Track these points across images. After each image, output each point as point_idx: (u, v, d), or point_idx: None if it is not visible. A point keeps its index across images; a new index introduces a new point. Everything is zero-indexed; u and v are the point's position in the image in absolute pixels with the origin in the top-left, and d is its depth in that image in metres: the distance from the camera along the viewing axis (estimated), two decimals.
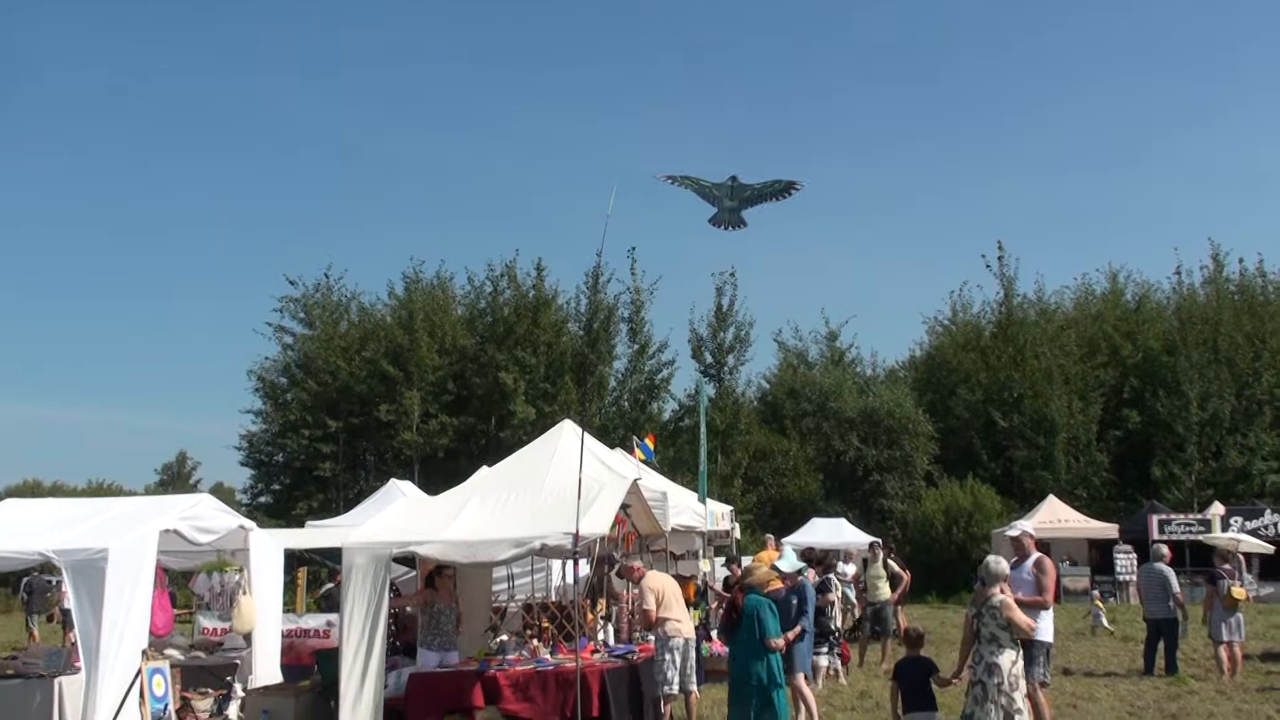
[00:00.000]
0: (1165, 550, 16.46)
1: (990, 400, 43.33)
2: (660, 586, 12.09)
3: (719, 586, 16.69)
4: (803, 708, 11.60)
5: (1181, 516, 32.74)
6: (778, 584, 10.68)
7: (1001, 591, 8.72)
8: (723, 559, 18.65)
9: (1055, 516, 32.79)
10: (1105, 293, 48.37)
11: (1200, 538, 28.35)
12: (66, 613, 27.02)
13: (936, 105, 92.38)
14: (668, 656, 11.82)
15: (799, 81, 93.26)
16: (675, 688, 11.78)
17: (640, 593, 12.09)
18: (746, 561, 20.24)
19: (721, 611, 16.30)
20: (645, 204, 78.69)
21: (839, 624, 16.34)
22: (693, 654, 12.05)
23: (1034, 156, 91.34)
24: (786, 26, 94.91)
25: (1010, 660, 8.47)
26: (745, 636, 9.74)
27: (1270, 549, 25.61)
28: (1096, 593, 20.04)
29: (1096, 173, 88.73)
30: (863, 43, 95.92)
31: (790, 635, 10.76)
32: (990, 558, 9.08)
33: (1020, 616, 8.63)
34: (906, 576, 19.22)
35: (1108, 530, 33.01)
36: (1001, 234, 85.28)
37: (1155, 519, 32.04)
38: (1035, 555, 11.14)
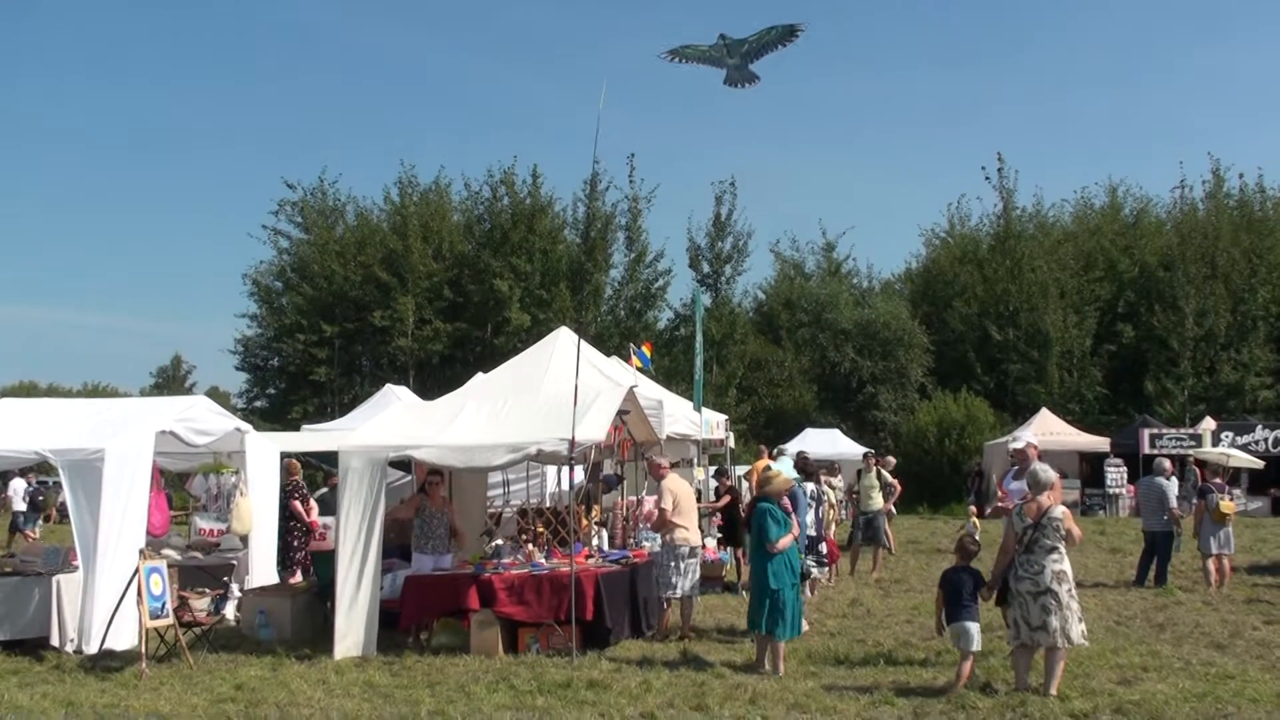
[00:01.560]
0: (1167, 464, 16.47)
1: (986, 313, 43.39)
2: (679, 490, 12.15)
3: (712, 497, 16.85)
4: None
5: (1173, 431, 32.75)
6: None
7: (1053, 499, 8.91)
8: (715, 468, 18.81)
9: (1047, 429, 32.62)
10: (1104, 207, 48.29)
11: (1191, 452, 28.50)
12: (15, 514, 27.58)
13: (938, 15, 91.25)
14: (673, 563, 11.95)
15: None
16: (679, 591, 11.89)
17: (660, 492, 12.11)
18: (739, 471, 20.54)
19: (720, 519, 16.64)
20: (646, 109, 78.07)
21: (830, 528, 16.51)
22: (696, 562, 12.14)
23: (1036, 68, 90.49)
24: None
25: (1069, 567, 8.83)
26: (755, 540, 10.01)
27: (1260, 464, 25.75)
28: (973, 508, 20.51)
29: (1099, 86, 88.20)
30: None
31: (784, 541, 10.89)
32: (1037, 465, 9.20)
33: (1077, 528, 8.88)
34: (898, 487, 19.27)
35: (1099, 444, 33.06)
36: (1002, 147, 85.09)
37: (1147, 433, 32.10)
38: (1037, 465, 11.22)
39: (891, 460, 20.33)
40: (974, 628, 9.04)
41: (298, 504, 15.50)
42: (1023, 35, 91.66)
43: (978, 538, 12.78)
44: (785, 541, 9.86)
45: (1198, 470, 26.17)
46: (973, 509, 20.14)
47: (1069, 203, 49.54)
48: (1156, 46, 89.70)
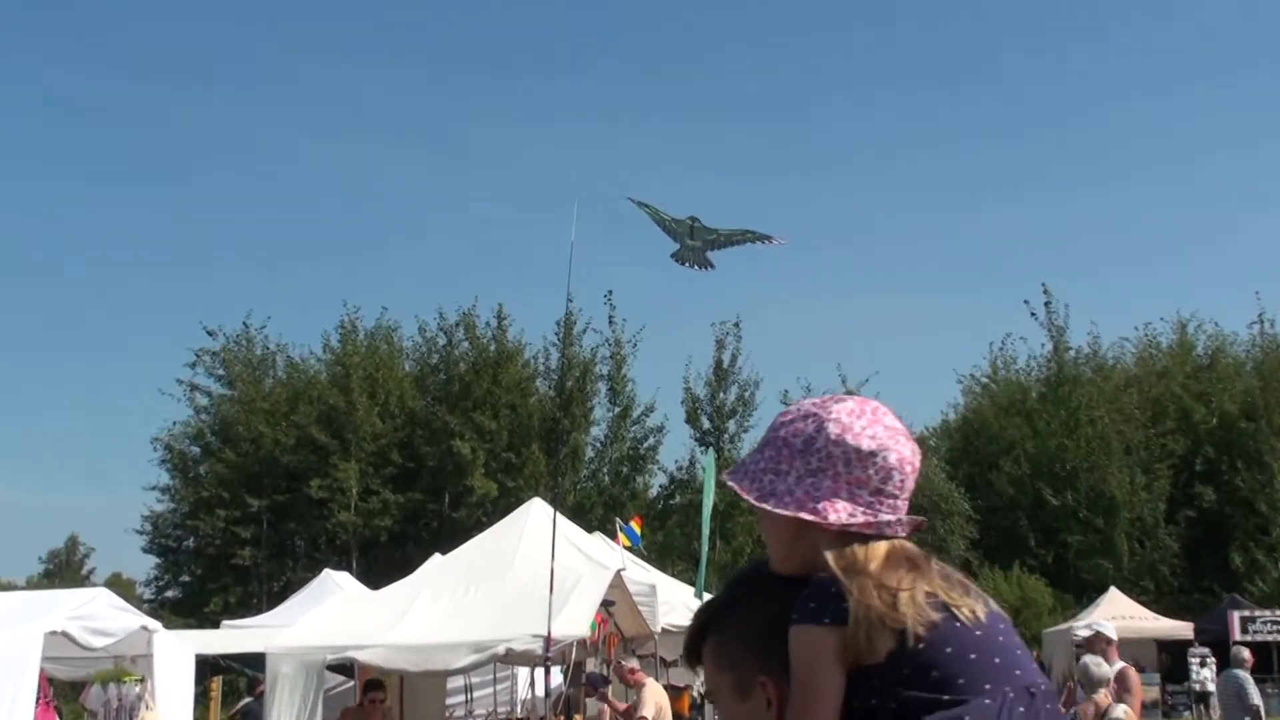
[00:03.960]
0: (1246, 653, 16.12)
1: (1039, 474, 43.15)
2: (662, 701, 11.88)
3: None
4: None
5: (1269, 613, 32.13)
6: None
7: (1111, 697, 8.76)
8: None
9: (1117, 613, 31.77)
10: (1172, 346, 48.63)
11: None
12: None
13: (970, 121, 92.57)
14: None
15: (803, 91, 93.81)
16: None
17: (639, 700, 11.88)
18: None
19: None
20: (625, 239, 78.93)
21: None
22: None
23: (1085, 181, 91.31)
24: (788, 27, 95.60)
25: None
26: None
27: None
28: None
29: (1157, 201, 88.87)
30: (880, 45, 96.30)
31: None
32: (1088, 658, 9.10)
33: None
34: None
35: (1180, 630, 32.39)
36: (1048, 277, 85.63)
37: (1236, 616, 31.41)
38: (1118, 665, 10.83)
39: None
40: None
41: None
42: (1061, 147, 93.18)
43: None
44: None
45: None
46: None
47: (1130, 342, 49.84)
48: (1222, 151, 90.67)
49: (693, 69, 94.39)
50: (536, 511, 14.09)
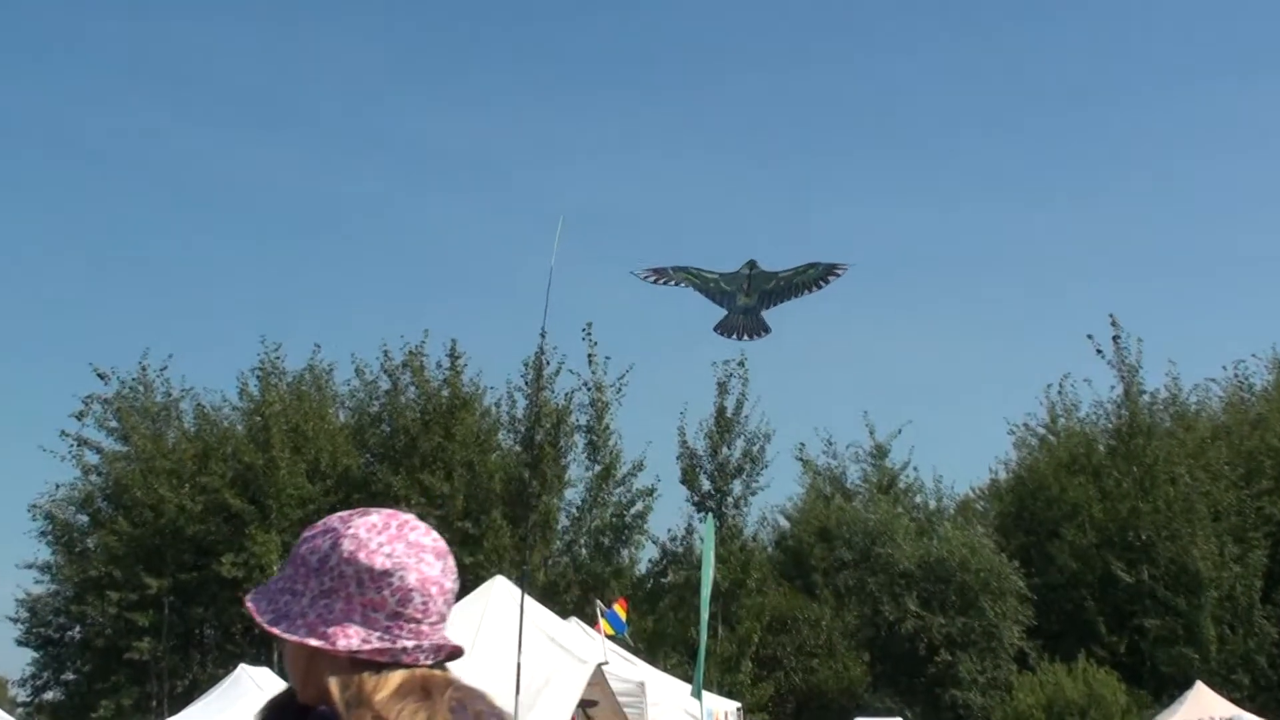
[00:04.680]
0: None
1: (1108, 544, 43.05)
2: None
3: None
4: None
5: None
6: None
7: None
8: None
9: (1204, 713, 31.61)
10: (1268, 388, 48.66)
11: None
12: None
13: (1018, 115, 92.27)
14: None
15: (823, 95, 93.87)
16: None
17: None
18: None
19: None
20: (607, 260, 78.47)
21: None
22: None
23: (1161, 191, 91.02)
24: (799, 24, 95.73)
25: None
26: None
27: None
28: None
29: (1249, 215, 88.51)
30: (913, 46, 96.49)
31: None
32: None
33: None
34: None
35: None
36: (1117, 306, 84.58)
37: None
38: None
39: None
40: None
41: None
42: (1130, 149, 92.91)
43: None
44: None
45: None
46: None
47: (1218, 383, 49.64)
48: None
49: (695, 68, 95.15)
50: (499, 593, 14.17)
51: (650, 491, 43.38)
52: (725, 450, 44.34)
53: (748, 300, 12.61)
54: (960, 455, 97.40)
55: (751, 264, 12.76)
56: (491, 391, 45.15)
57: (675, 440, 44.89)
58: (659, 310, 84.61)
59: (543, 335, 40.93)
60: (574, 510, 43.67)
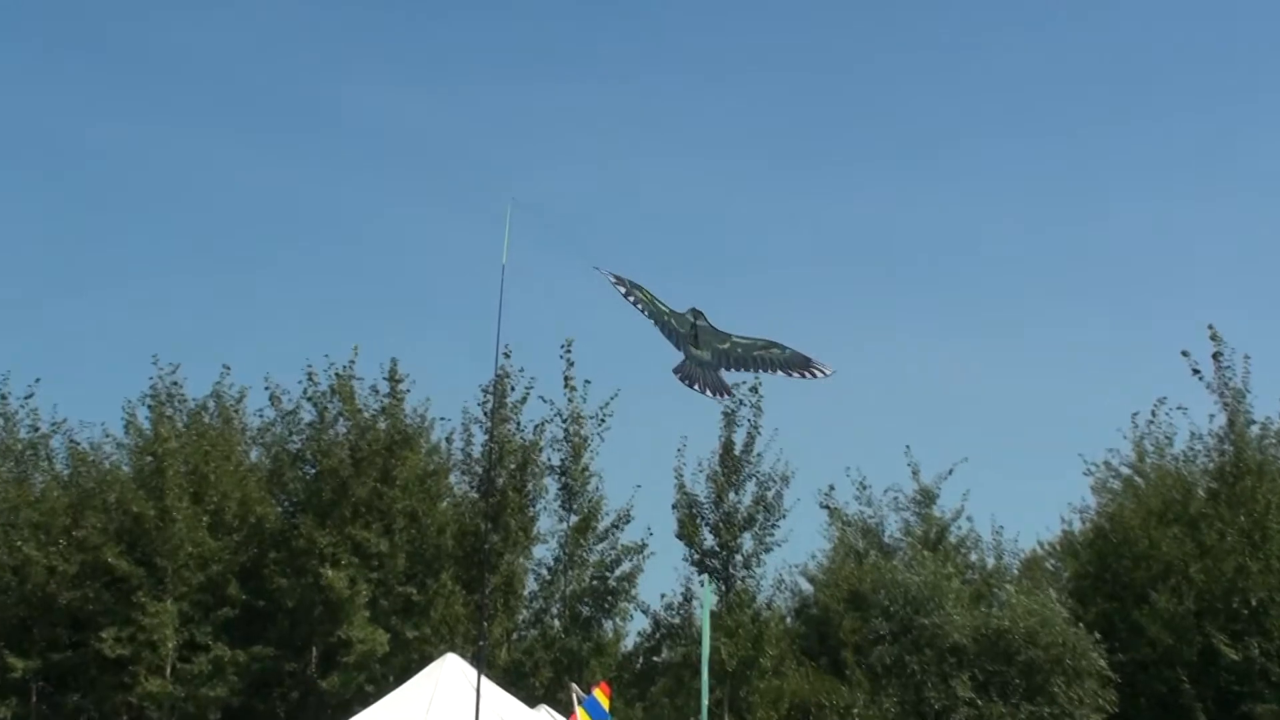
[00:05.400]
0: None
1: (1209, 612, 42.39)
2: None
3: None
4: None
5: None
6: None
7: None
8: None
9: None
10: None
11: None
12: None
13: (1096, 91, 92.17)
14: None
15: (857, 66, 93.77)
16: None
17: None
18: None
19: None
20: (592, 267, 77.28)
21: None
22: None
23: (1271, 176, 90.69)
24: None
25: None
26: None
27: None
28: None
29: None
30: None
31: None
32: None
33: None
34: None
35: None
36: (1218, 316, 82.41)
37: None
38: None
39: None
40: None
41: None
42: (1232, 134, 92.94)
43: None
44: None
45: None
46: None
47: None
48: None
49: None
50: (450, 674, 14.89)
51: (640, 548, 43.11)
52: (733, 496, 43.91)
53: (700, 353, 13.74)
54: (1026, 502, 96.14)
55: (695, 313, 14.01)
56: (441, 424, 44.39)
57: (671, 484, 44.30)
58: (651, 325, 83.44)
59: (504, 354, 41.42)
60: (544, 572, 43.26)
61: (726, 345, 13.84)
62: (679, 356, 15.17)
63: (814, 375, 14.15)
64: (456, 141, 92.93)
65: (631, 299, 14.09)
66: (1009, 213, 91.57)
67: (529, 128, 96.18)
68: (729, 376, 15.16)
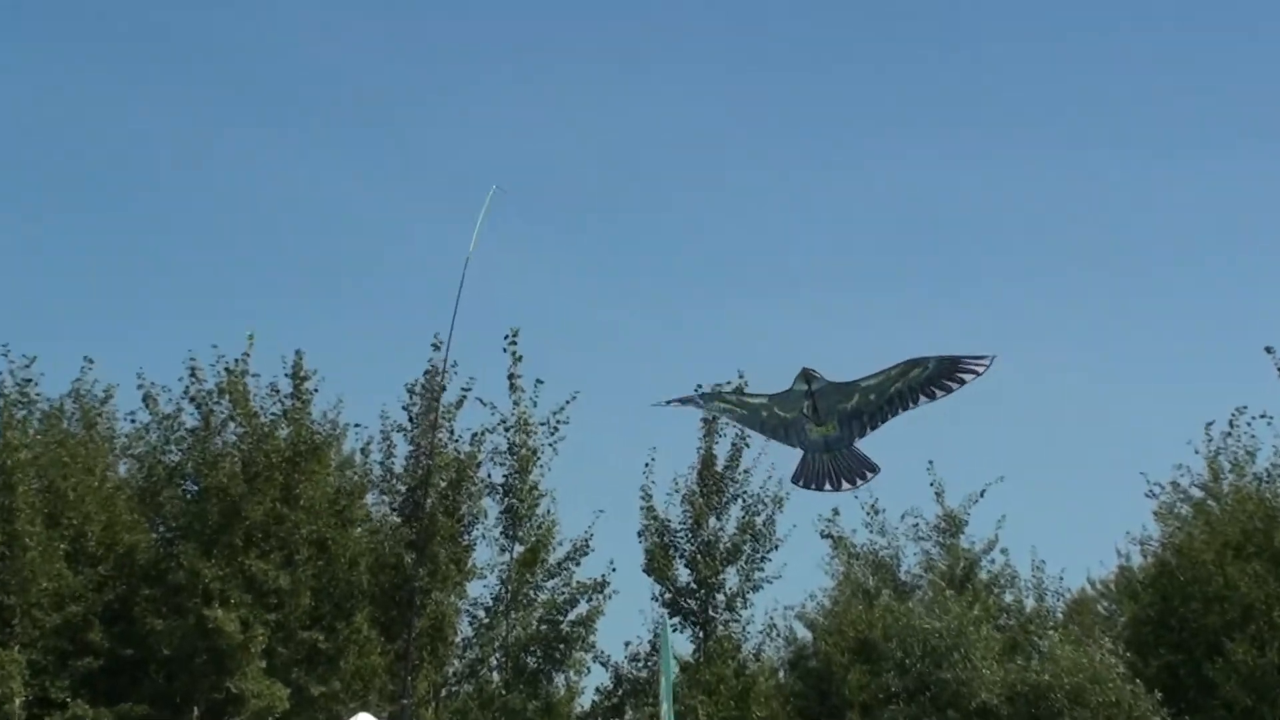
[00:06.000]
0: None
1: None
2: None
3: None
4: None
5: None
6: None
7: None
8: None
9: None
10: None
11: None
12: None
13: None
14: None
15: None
16: None
17: None
18: None
19: None
20: (539, 236, 76.55)
21: None
22: None
23: None
24: None
25: None
26: None
27: None
28: None
29: None
30: None
31: None
32: None
33: None
34: None
35: None
36: None
37: None
38: None
39: None
40: None
41: None
42: None
43: None
44: None
45: None
46: None
47: None
48: None
49: None
50: None
51: (599, 586, 41.98)
52: (714, 522, 43.07)
53: (825, 431, 13.71)
54: (1075, 531, 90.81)
55: (808, 376, 14.05)
56: (357, 432, 43.07)
57: (638, 507, 43.97)
58: (613, 314, 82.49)
59: (433, 345, 41.10)
60: (482, 614, 41.82)
61: (855, 400, 13.73)
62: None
63: (971, 376, 14.27)
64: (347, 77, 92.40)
65: (707, 416, 14.01)
66: (1049, 186, 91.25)
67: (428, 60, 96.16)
68: (870, 440, 15.11)
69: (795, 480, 14.11)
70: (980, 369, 14.35)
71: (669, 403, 14.66)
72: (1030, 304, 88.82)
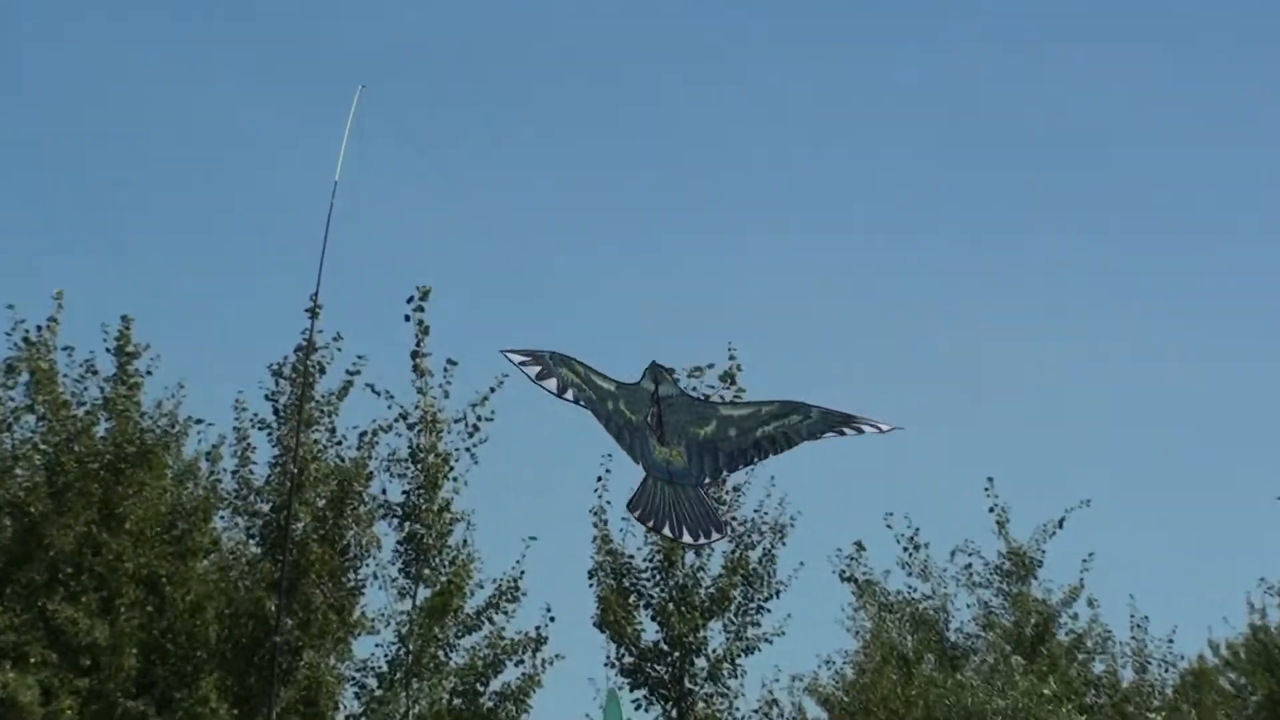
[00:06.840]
0: None
1: None
2: None
3: None
4: None
5: None
6: None
7: None
8: None
9: None
10: None
11: None
12: None
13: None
14: None
15: None
16: None
17: None
18: None
19: None
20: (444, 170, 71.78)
21: None
22: None
23: None
24: None
25: None
26: None
27: None
28: None
29: None
30: None
31: None
32: None
33: None
34: None
35: None
36: None
37: None
38: None
39: None
40: None
41: None
42: None
43: None
44: None
45: None
46: None
47: None
48: None
49: None
50: None
51: (535, 643, 35.59)
52: (692, 558, 37.05)
53: (670, 456, 12.71)
54: (1187, 579, 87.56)
55: (656, 374, 13.34)
56: (202, 429, 36.59)
57: (589, 535, 38.45)
58: (558, 260, 77.46)
59: (308, 311, 35.43)
60: (373, 683, 35.90)
61: (710, 429, 12.48)
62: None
63: (872, 431, 13.48)
64: None
65: (564, 386, 13.07)
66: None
67: None
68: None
69: (630, 509, 12.79)
70: (879, 430, 13.59)
71: (512, 354, 13.09)
72: (1123, 278, 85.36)
